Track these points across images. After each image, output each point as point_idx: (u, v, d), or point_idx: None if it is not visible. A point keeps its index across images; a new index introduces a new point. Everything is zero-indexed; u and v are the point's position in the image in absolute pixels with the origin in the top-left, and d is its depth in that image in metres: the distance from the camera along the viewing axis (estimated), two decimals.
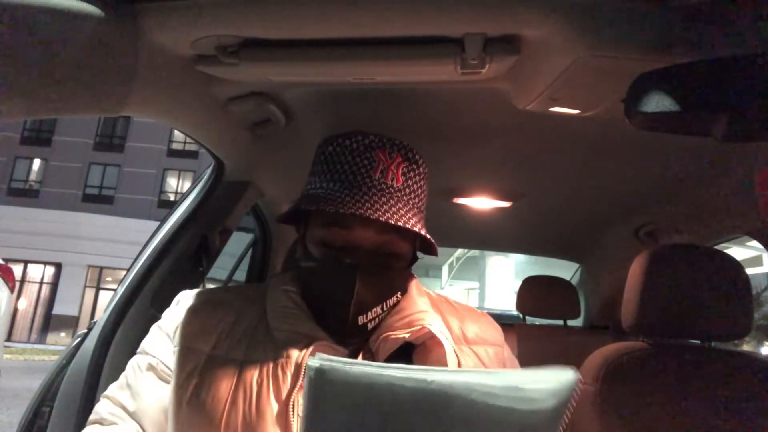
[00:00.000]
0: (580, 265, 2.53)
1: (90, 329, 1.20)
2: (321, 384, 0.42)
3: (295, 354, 0.68)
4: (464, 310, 0.86)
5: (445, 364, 0.70)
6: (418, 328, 0.72)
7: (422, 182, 0.80)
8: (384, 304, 0.74)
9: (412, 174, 0.77)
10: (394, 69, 0.89)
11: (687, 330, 1.10)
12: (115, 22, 0.71)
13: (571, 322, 2.24)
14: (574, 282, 2.46)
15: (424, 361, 0.72)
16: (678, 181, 1.45)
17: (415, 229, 0.71)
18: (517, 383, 0.45)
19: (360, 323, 0.72)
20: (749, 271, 1.79)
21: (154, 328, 0.80)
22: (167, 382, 0.74)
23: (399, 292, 0.77)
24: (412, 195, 0.77)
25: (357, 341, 0.74)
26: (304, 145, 1.32)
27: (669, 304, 1.08)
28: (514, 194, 1.70)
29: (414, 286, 0.81)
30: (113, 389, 0.78)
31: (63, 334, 17.83)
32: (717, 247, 1.39)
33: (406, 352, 0.73)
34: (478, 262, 15.32)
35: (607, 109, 0.94)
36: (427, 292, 0.85)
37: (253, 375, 0.68)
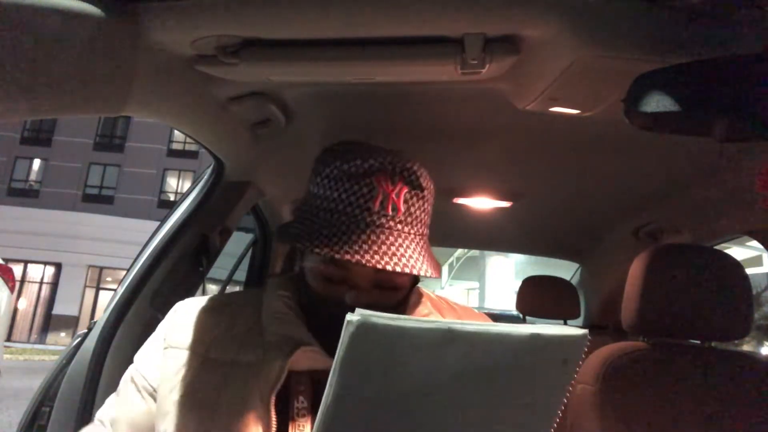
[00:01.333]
0: (580, 265, 2.53)
1: (90, 329, 1.20)
2: (360, 335, 0.45)
3: (280, 357, 0.69)
4: (463, 311, 0.87)
5: None
6: None
7: (426, 206, 0.74)
8: None
9: (414, 200, 0.72)
10: (394, 69, 0.89)
11: (687, 330, 1.10)
12: (115, 22, 0.71)
13: (571, 322, 2.24)
14: (574, 282, 2.46)
15: None
16: (678, 181, 1.45)
17: (414, 269, 0.67)
18: (537, 330, 0.49)
19: None
20: (749, 271, 1.79)
21: (149, 339, 0.81)
22: (146, 392, 0.75)
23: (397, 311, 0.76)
24: (415, 222, 0.72)
25: None
26: (304, 145, 1.32)
27: (669, 304, 1.08)
28: (514, 194, 1.70)
29: (415, 291, 0.81)
30: (112, 396, 0.81)
31: (63, 334, 17.82)
32: (717, 247, 1.39)
33: None
34: (478, 262, 15.31)
35: (607, 109, 0.94)
36: (427, 294, 0.85)
37: (239, 376, 0.69)
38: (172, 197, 22.16)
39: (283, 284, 0.80)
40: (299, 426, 0.66)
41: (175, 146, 22.99)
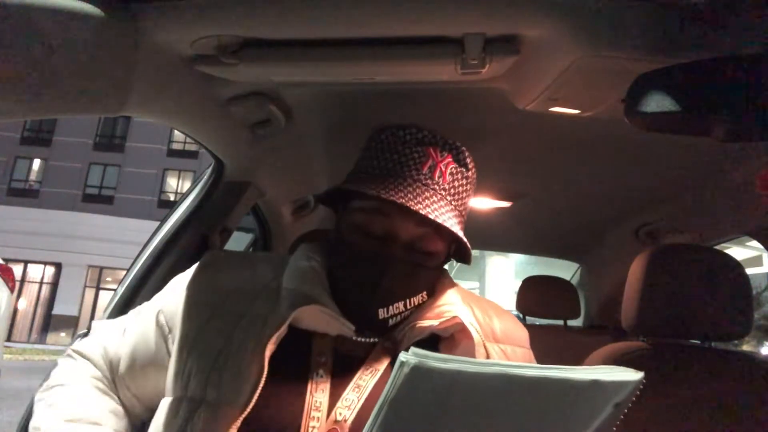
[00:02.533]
0: (580, 265, 2.53)
1: (90, 329, 1.20)
2: (415, 378, 0.43)
3: (287, 307, 0.69)
4: (492, 308, 0.85)
5: (474, 357, 0.70)
6: (448, 318, 0.72)
7: (468, 186, 0.78)
8: (408, 301, 0.73)
9: (459, 176, 0.76)
10: (394, 69, 0.89)
11: (687, 330, 1.10)
12: (115, 22, 0.71)
13: (571, 322, 2.24)
14: (574, 282, 2.46)
15: (451, 353, 0.69)
16: (678, 181, 1.45)
17: (454, 229, 0.70)
18: (597, 377, 0.48)
19: (380, 317, 0.71)
20: (749, 271, 1.80)
21: (172, 283, 0.82)
22: (162, 333, 0.76)
23: (425, 292, 0.75)
24: (456, 196, 0.75)
25: (371, 330, 0.74)
26: (304, 145, 1.32)
27: (669, 304, 1.08)
28: (514, 194, 1.69)
29: (446, 280, 0.81)
30: (103, 328, 0.83)
31: (63, 334, 17.82)
32: (717, 247, 1.39)
33: (431, 344, 0.73)
34: (478, 262, 15.30)
35: (607, 109, 0.94)
36: (458, 286, 0.84)
37: (246, 325, 0.70)
38: (172, 197, 22.16)
39: (313, 248, 0.80)
40: (316, 402, 0.66)
41: (175, 146, 22.99)
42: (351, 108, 1.18)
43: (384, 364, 0.70)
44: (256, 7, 0.75)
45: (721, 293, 1.08)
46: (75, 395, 0.73)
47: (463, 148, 0.78)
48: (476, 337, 0.72)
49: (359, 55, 0.85)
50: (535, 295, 2.23)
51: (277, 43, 0.84)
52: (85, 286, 19.04)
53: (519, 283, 2.31)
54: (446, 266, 0.84)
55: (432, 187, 0.72)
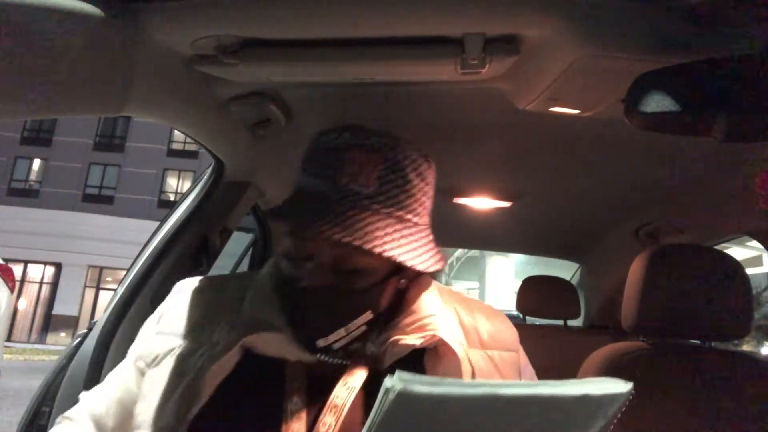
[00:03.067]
0: (580, 265, 2.52)
1: (90, 329, 1.20)
2: (400, 405, 0.42)
3: (240, 333, 0.66)
4: (479, 309, 0.80)
5: (458, 372, 0.67)
6: (429, 335, 0.68)
7: (408, 186, 0.68)
8: (348, 326, 0.66)
9: (392, 177, 0.66)
10: (394, 69, 0.89)
11: (687, 330, 1.10)
12: (115, 22, 0.71)
13: (571, 322, 2.24)
14: (574, 282, 2.46)
15: (435, 368, 0.68)
16: (678, 181, 1.45)
17: (371, 245, 0.61)
18: (586, 392, 0.48)
19: (320, 345, 0.66)
20: (749, 271, 1.79)
21: (144, 325, 0.80)
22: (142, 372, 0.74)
23: (369, 311, 0.67)
24: (389, 202, 0.65)
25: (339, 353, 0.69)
26: (304, 145, 1.31)
27: (669, 304, 1.08)
28: (514, 194, 1.69)
29: (425, 286, 0.76)
30: (97, 391, 0.78)
31: (63, 334, 17.83)
32: (717, 247, 1.39)
33: (415, 355, 0.69)
34: (478, 262, 15.32)
35: (607, 109, 0.94)
36: (441, 289, 0.80)
37: (203, 354, 0.68)
38: (172, 197, 22.16)
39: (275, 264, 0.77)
40: (291, 430, 0.63)
41: (175, 146, 22.99)
42: (351, 108, 1.18)
43: (360, 380, 0.66)
44: (256, 7, 0.75)
45: (721, 293, 1.08)
46: None
47: (401, 145, 0.69)
48: (459, 351, 0.68)
49: (359, 55, 0.85)
50: (535, 295, 2.23)
51: (277, 43, 0.84)
52: (85, 286, 19.04)
53: (519, 283, 2.31)
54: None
55: (351, 199, 0.64)
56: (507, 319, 0.82)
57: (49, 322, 18.39)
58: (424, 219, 0.71)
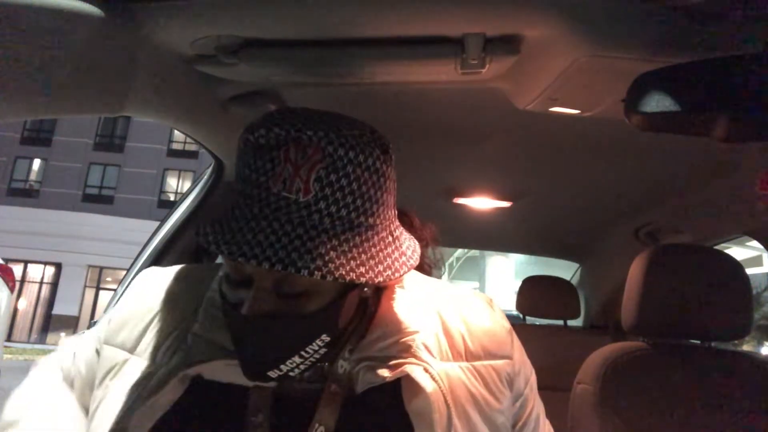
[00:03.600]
0: (580, 265, 2.53)
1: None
2: None
3: (179, 360, 0.61)
4: (468, 310, 0.72)
5: (431, 412, 0.59)
6: (400, 370, 0.61)
7: (356, 186, 0.56)
8: (302, 352, 0.58)
9: (334, 178, 0.55)
10: (394, 69, 0.89)
11: (687, 330, 1.10)
12: (115, 22, 0.71)
13: (571, 322, 2.24)
14: (574, 282, 2.46)
15: (410, 401, 0.61)
16: (678, 181, 1.45)
17: (315, 264, 0.51)
18: None
19: (273, 377, 0.58)
20: (749, 271, 1.80)
21: (102, 318, 0.78)
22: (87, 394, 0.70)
23: (324, 335, 0.58)
24: (332, 208, 0.55)
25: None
26: None
27: (669, 304, 1.08)
28: (514, 194, 1.70)
29: (399, 296, 0.68)
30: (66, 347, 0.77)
31: (63, 334, 17.79)
32: (717, 247, 1.39)
33: (392, 383, 0.62)
34: (478, 262, 15.31)
35: (607, 109, 0.94)
36: (425, 286, 0.74)
37: (149, 379, 0.62)
38: (172, 197, 22.16)
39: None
40: None
41: (175, 146, 22.98)
42: (351, 108, 1.17)
43: (336, 414, 0.60)
44: (256, 7, 0.75)
45: (721, 293, 1.08)
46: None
47: (344, 134, 0.57)
48: (435, 390, 0.60)
49: (359, 55, 0.85)
50: (535, 295, 2.23)
51: (277, 43, 0.84)
52: (85, 286, 19.03)
53: (519, 283, 2.31)
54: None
55: (284, 210, 0.54)
56: (499, 317, 0.75)
57: (49, 322, 18.38)
58: (384, 217, 0.60)
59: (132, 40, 0.77)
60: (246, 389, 0.61)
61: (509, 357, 0.71)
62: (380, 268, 0.57)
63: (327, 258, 0.53)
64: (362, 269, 0.55)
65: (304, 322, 0.57)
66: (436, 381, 0.61)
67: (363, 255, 0.56)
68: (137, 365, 0.64)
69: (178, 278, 0.74)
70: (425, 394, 0.60)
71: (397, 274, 0.58)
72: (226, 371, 0.60)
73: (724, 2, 0.69)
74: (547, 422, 0.79)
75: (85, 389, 0.71)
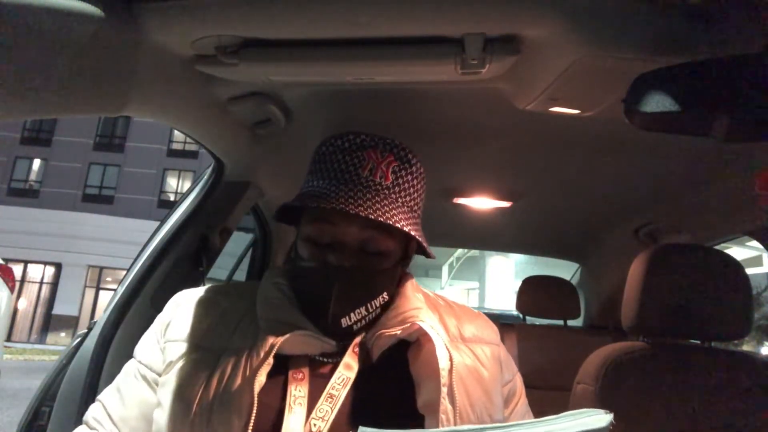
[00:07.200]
0: (580, 265, 2.53)
1: (90, 329, 1.20)
2: None
3: (271, 339, 0.69)
4: (460, 309, 0.86)
5: (436, 360, 0.69)
6: (409, 325, 0.73)
7: (415, 181, 0.78)
8: (369, 305, 0.74)
9: (403, 173, 0.77)
10: (394, 69, 0.89)
11: (687, 330, 1.10)
12: (115, 22, 0.71)
13: (571, 322, 2.24)
14: (574, 282, 2.46)
15: (416, 357, 0.72)
16: (678, 181, 1.45)
17: (399, 225, 0.71)
18: (568, 429, 0.49)
19: (343, 325, 0.72)
20: (749, 271, 1.80)
21: (147, 333, 0.81)
22: (153, 383, 0.75)
23: (386, 293, 0.76)
24: (402, 193, 0.76)
25: (347, 338, 0.75)
26: (304, 145, 1.32)
27: (669, 304, 1.08)
28: (514, 194, 1.70)
29: (410, 285, 0.82)
30: (105, 393, 0.79)
31: (63, 334, 17.83)
32: (717, 247, 1.39)
33: (401, 348, 0.74)
34: (478, 262, 15.31)
35: (607, 109, 0.94)
36: (423, 291, 0.85)
37: (229, 360, 0.70)
38: (172, 197, 22.16)
39: (278, 273, 0.81)
40: (294, 414, 0.66)
41: (175, 146, 22.99)
42: (351, 108, 1.18)
43: (354, 372, 0.71)
44: (256, 7, 0.75)
45: (721, 293, 1.08)
46: None
47: (405, 146, 0.79)
48: (437, 341, 0.71)
49: (359, 55, 0.85)
50: (535, 295, 2.23)
51: (277, 43, 0.84)
52: (85, 286, 19.04)
53: (519, 283, 2.31)
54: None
55: (374, 188, 0.73)
56: (488, 319, 0.87)
57: (49, 322, 18.38)
58: (420, 213, 0.81)
59: (132, 40, 0.77)
60: (287, 359, 0.71)
61: (498, 345, 0.84)
62: (423, 238, 0.76)
63: (403, 222, 0.72)
64: (419, 235, 0.75)
65: (378, 277, 0.75)
66: (439, 335, 0.73)
67: (419, 228, 0.77)
68: (211, 351, 0.72)
69: (225, 289, 0.84)
70: (431, 348, 0.70)
71: (429, 253, 0.81)
72: (299, 342, 0.71)
73: (723, 2, 0.69)
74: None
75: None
